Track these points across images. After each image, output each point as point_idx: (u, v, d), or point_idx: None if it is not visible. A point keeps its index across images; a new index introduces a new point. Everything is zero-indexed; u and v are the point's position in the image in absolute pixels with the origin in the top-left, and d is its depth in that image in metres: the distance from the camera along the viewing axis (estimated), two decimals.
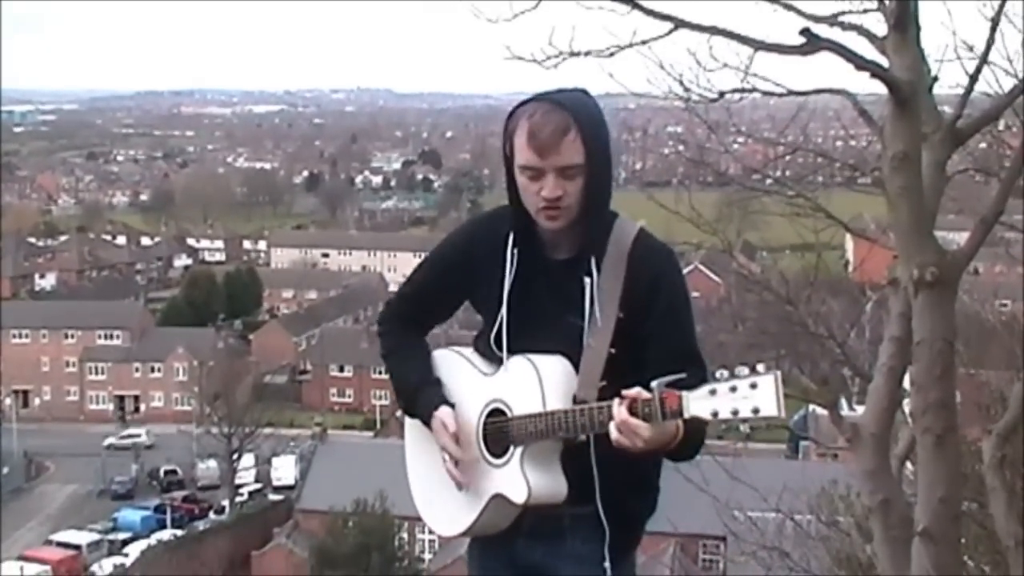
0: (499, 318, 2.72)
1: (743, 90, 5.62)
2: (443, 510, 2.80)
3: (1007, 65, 6.12)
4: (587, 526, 2.65)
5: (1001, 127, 7.96)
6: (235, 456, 53.37)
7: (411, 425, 2.89)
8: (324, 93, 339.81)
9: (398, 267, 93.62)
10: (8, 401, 65.99)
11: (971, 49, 5.72)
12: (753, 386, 2.34)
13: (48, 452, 59.51)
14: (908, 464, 7.11)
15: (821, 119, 11.89)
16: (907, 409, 6.72)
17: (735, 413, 2.36)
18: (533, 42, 5.28)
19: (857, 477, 6.86)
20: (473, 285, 2.81)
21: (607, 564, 2.65)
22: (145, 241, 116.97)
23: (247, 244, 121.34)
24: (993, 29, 5.32)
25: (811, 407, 28.52)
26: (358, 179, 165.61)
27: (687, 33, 5.04)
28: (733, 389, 2.36)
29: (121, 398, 71.60)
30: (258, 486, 54.01)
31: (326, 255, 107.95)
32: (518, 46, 5.39)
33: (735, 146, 8.79)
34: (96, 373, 72.16)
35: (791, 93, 5.74)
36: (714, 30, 4.97)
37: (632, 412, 2.43)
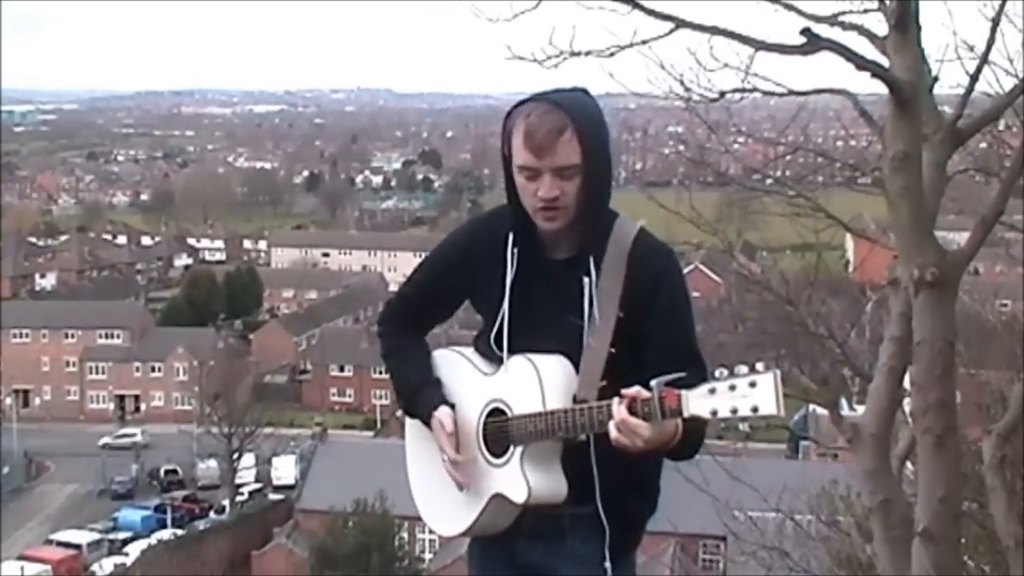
0: (499, 318, 2.72)
1: (743, 90, 5.63)
2: (443, 510, 2.80)
3: (1007, 65, 6.13)
4: (587, 526, 2.65)
5: (1001, 127, 7.96)
6: (235, 456, 53.39)
7: (411, 425, 2.89)
8: (324, 93, 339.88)
9: (398, 267, 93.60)
10: (8, 401, 66.02)
11: (972, 49, 5.73)
12: (752, 385, 2.34)
13: (48, 452, 59.51)
14: (908, 464, 7.11)
15: (821, 119, 11.89)
16: (907, 409, 6.72)
17: (734, 412, 2.36)
18: (533, 42, 5.28)
19: (857, 477, 6.86)
20: (473, 285, 2.81)
21: (607, 564, 2.64)
22: (145, 241, 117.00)
23: (247, 244, 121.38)
24: (994, 29, 5.32)
25: (811, 407, 28.53)
26: (358, 179, 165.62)
27: (687, 33, 5.04)
28: (732, 388, 2.36)
29: (121, 398, 71.61)
30: (258, 486, 54.02)
31: (326, 255, 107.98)
32: (518, 46, 5.39)
33: (735, 146, 8.79)
34: (96, 373, 72.18)
35: (791, 93, 5.74)
36: (714, 30, 4.97)
37: (632, 411, 2.43)
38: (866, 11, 5.19)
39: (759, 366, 2.35)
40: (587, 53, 5.31)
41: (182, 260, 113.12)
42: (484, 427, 2.71)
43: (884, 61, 4.85)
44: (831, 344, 8.35)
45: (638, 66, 5.74)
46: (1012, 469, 6.39)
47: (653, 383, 2.42)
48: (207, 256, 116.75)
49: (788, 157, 8.68)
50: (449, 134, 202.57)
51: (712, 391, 2.38)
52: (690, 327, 2.71)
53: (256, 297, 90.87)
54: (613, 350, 2.60)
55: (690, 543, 37.67)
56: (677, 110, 7.36)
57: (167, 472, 57.45)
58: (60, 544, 47.58)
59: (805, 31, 4.48)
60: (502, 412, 2.68)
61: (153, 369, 70.69)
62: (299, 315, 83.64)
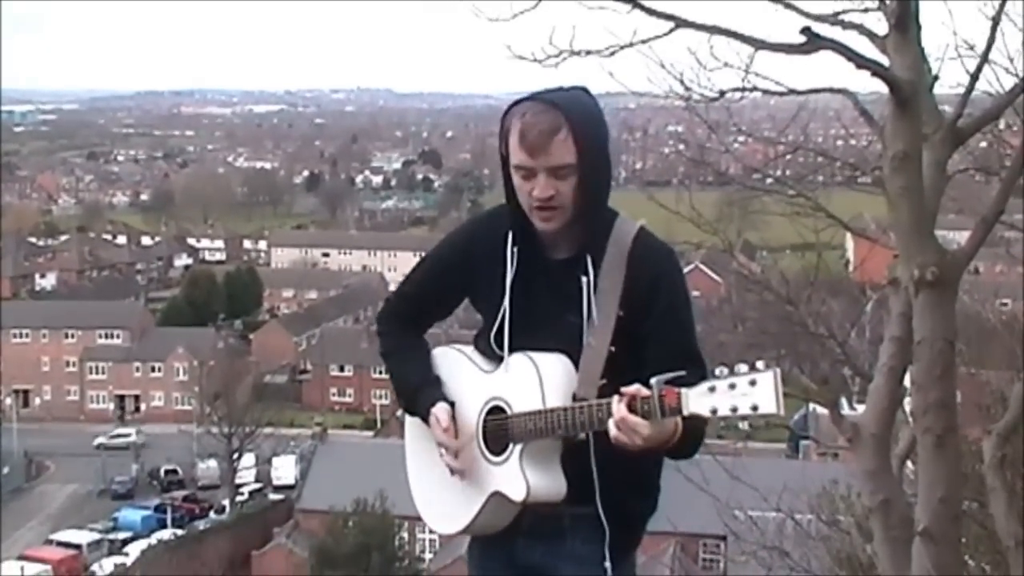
0: (499, 317, 2.71)
1: (744, 89, 5.63)
2: (442, 508, 2.80)
3: (1008, 64, 6.12)
4: (587, 526, 2.65)
5: (1002, 126, 7.95)
6: (235, 456, 53.40)
7: (411, 423, 2.89)
8: (324, 93, 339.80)
9: (398, 267, 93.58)
10: (8, 401, 66.02)
11: (972, 48, 5.72)
12: (752, 383, 2.33)
13: (48, 452, 59.52)
14: (908, 464, 7.10)
15: (822, 118, 11.89)
16: (907, 409, 6.71)
17: (734, 410, 2.35)
18: (533, 42, 5.28)
19: (857, 477, 6.86)
20: (473, 284, 2.81)
21: (607, 564, 2.64)
22: (145, 241, 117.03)
23: (247, 244, 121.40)
24: (994, 28, 5.31)
25: (812, 406, 28.52)
26: (358, 179, 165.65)
27: (688, 32, 5.05)
28: (732, 386, 2.35)
29: (121, 398, 71.61)
30: (258, 486, 54.03)
31: (326, 255, 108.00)
32: (518, 46, 5.39)
33: (735, 145, 8.78)
34: (96, 373, 72.19)
35: (792, 92, 5.74)
36: (715, 29, 4.97)
37: (631, 409, 2.43)
38: (866, 10, 5.19)
39: (759, 365, 2.35)
40: (587, 53, 5.31)
41: (182, 260, 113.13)
42: (484, 425, 2.71)
43: (884, 60, 4.84)
44: (831, 344, 8.36)
45: (638, 65, 5.75)
46: (1012, 469, 6.39)
47: (653, 381, 2.41)
48: (207, 256, 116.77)
49: (788, 156, 8.67)
50: (449, 134, 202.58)
51: (712, 389, 2.37)
52: (690, 326, 2.70)
53: (256, 297, 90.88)
54: (613, 349, 2.60)
55: (690, 543, 37.67)
56: (677, 109, 7.36)
57: (167, 472, 57.46)
58: (60, 544, 47.58)
59: (805, 30, 4.48)
60: (502, 410, 2.68)
61: (153, 369, 70.70)
62: (299, 315, 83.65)
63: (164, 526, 49.39)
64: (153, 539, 46.93)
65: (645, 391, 2.42)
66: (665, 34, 5.04)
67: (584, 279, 2.64)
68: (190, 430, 55.56)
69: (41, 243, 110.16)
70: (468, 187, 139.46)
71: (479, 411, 2.72)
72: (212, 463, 55.09)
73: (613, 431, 2.45)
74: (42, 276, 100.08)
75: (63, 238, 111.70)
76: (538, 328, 2.66)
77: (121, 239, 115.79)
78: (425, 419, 2.77)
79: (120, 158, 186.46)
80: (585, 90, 2.68)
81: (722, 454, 10.18)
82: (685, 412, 2.40)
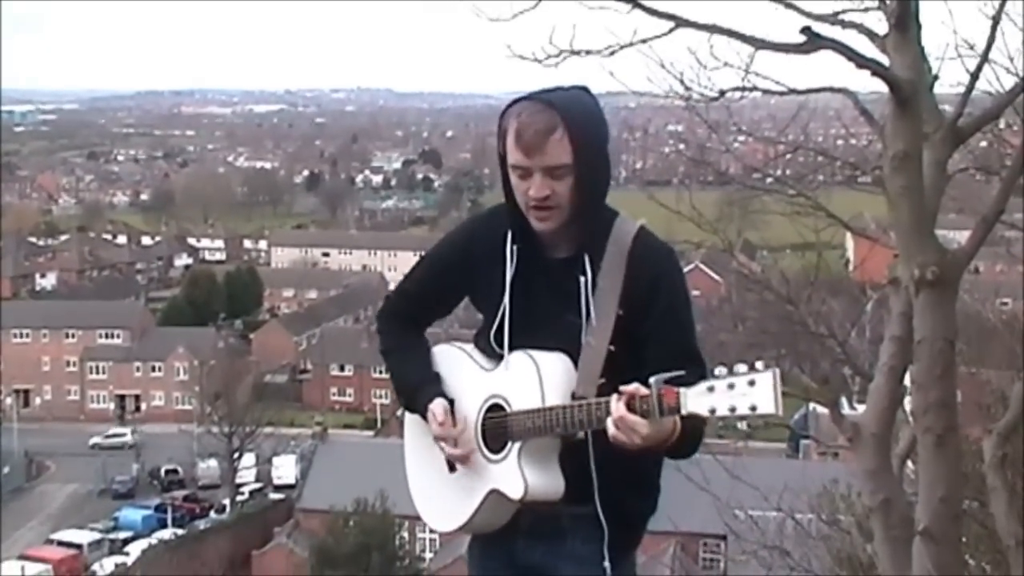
0: (499, 315, 2.71)
1: (744, 89, 5.62)
2: (440, 506, 2.80)
3: (1008, 63, 6.12)
4: (587, 526, 2.64)
5: (1002, 126, 7.95)
6: (236, 455, 53.40)
7: (410, 422, 2.89)
8: (324, 93, 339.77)
9: (398, 267, 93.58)
10: (9, 401, 66.04)
11: (972, 47, 5.72)
12: (751, 383, 2.33)
13: (49, 452, 59.52)
14: (909, 463, 7.10)
15: (822, 118, 11.90)
16: (908, 408, 6.71)
17: (732, 410, 2.35)
18: (534, 41, 5.28)
19: (858, 476, 6.86)
20: (473, 283, 2.81)
21: (606, 564, 2.64)
22: (145, 241, 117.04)
23: (247, 244, 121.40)
24: (994, 27, 5.31)
25: (812, 406, 28.51)
26: (358, 179, 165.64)
27: (688, 32, 5.05)
28: (731, 386, 2.35)
29: (122, 397, 71.61)
30: (259, 485, 54.02)
31: (326, 255, 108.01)
32: (519, 45, 5.39)
33: (736, 145, 8.78)
34: (97, 373, 72.20)
35: (792, 92, 5.74)
36: (715, 29, 4.97)
37: (630, 408, 2.43)
38: (866, 10, 5.19)
39: (758, 365, 2.35)
40: (587, 52, 5.31)
41: (182, 260, 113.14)
42: (483, 423, 2.71)
43: (884, 60, 4.84)
44: (831, 343, 8.36)
45: (638, 65, 5.75)
46: (1013, 468, 6.39)
47: (652, 380, 2.41)
48: (207, 256, 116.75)
49: (788, 156, 8.67)
50: (449, 134, 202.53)
51: (711, 389, 2.37)
52: (690, 326, 2.70)
53: (256, 297, 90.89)
54: (612, 348, 2.60)
55: (690, 542, 37.67)
56: (677, 109, 7.36)
57: (167, 472, 57.45)
58: (61, 544, 47.58)
59: (805, 30, 4.48)
60: (501, 408, 2.68)
61: (153, 369, 70.70)
62: (299, 315, 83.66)
63: (164, 526, 49.39)
64: (153, 539, 46.93)
65: (644, 390, 2.42)
66: (665, 34, 5.05)
67: (582, 279, 2.64)
68: (190, 430, 55.56)
69: (41, 243, 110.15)
70: (468, 187, 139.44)
71: (478, 408, 2.72)
72: (212, 463, 55.09)
73: (612, 430, 2.45)
74: (42, 276, 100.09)
75: (63, 238, 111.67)
76: (538, 327, 2.66)
77: (121, 239, 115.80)
78: (424, 415, 2.77)
79: (120, 158, 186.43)
80: (586, 89, 2.67)
81: (722, 453, 10.18)
82: (683, 411, 2.40)
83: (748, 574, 14.02)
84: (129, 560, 44.74)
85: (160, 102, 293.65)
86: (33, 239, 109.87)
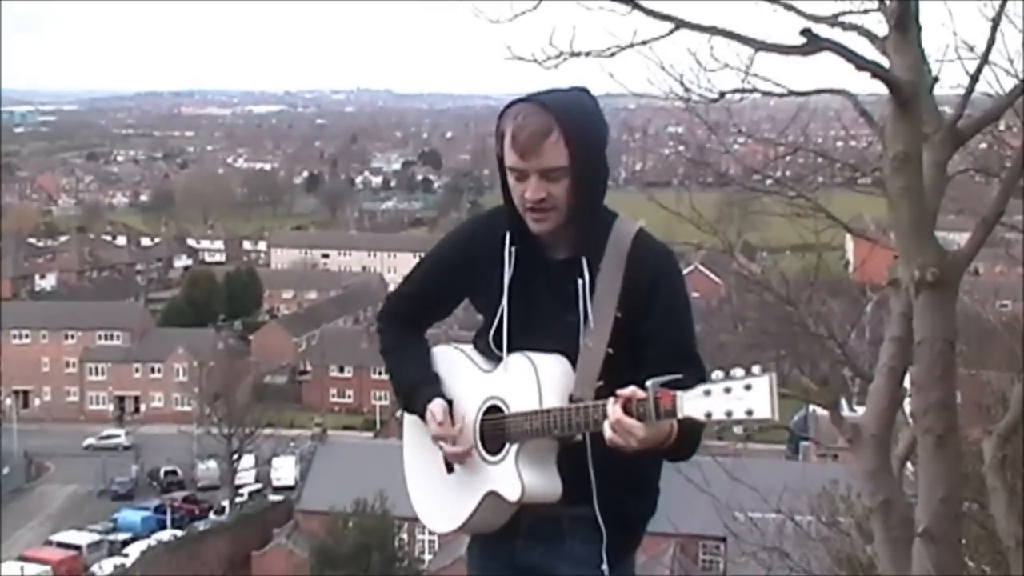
0: (498, 317, 2.71)
1: (743, 90, 5.63)
2: (438, 507, 2.81)
3: (1008, 65, 6.14)
4: (586, 527, 2.64)
5: (1002, 127, 7.96)
6: (235, 456, 53.39)
7: (409, 422, 2.89)
8: (324, 93, 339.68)
9: (398, 268, 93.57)
10: (8, 401, 65.99)
11: (972, 49, 5.72)
12: (748, 387, 2.34)
13: (48, 452, 59.50)
14: (909, 465, 7.10)
15: (822, 119, 11.89)
16: (908, 409, 6.71)
17: (728, 414, 2.35)
18: (533, 42, 5.28)
19: (858, 477, 6.86)
20: (472, 284, 2.81)
21: (604, 566, 2.64)
22: (145, 241, 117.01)
23: (247, 244, 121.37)
24: (994, 29, 5.31)
25: (811, 407, 28.53)
26: (358, 179, 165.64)
27: (688, 33, 5.04)
28: (728, 390, 2.35)
29: (121, 398, 71.59)
30: (258, 486, 54.02)
31: (326, 255, 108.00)
32: (518, 46, 5.39)
33: (735, 146, 8.79)
34: (96, 373, 72.17)
35: (791, 93, 5.75)
36: (714, 30, 4.97)
37: (627, 411, 2.43)
38: (866, 11, 5.19)
39: (755, 369, 2.35)
40: (587, 53, 5.31)
41: (182, 261, 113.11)
42: (481, 424, 2.71)
43: (884, 61, 4.84)
44: (831, 344, 8.36)
45: (638, 66, 5.75)
46: (1012, 469, 6.39)
47: (649, 383, 2.42)
48: (207, 257, 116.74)
49: (788, 157, 8.68)
50: (449, 134, 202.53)
51: (707, 393, 2.37)
52: (689, 328, 2.70)
53: (256, 297, 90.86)
54: (611, 350, 2.60)
55: (690, 544, 37.65)
56: (677, 110, 7.37)
57: (167, 473, 57.44)
58: (60, 545, 47.58)
59: (805, 31, 4.48)
60: (499, 409, 2.68)
61: (153, 370, 70.68)
62: (299, 315, 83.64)
63: (164, 527, 49.38)
64: (153, 540, 46.92)
65: (641, 393, 2.42)
66: (665, 35, 5.04)
67: (580, 281, 2.64)
68: (190, 431, 55.53)
69: (41, 244, 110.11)
70: (468, 188, 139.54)
71: (477, 410, 2.72)
72: (212, 464, 55.09)
73: (608, 432, 2.45)
74: (42, 277, 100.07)
75: (63, 239, 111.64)
76: (537, 328, 2.67)
77: (121, 240, 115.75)
78: (423, 416, 2.77)
79: (120, 158, 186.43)
80: (585, 91, 2.67)
81: (722, 455, 10.17)
82: (680, 415, 2.40)
83: (747, 575, 14.01)
84: (128, 561, 44.73)
85: (160, 103, 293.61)
86: (33, 240, 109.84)
